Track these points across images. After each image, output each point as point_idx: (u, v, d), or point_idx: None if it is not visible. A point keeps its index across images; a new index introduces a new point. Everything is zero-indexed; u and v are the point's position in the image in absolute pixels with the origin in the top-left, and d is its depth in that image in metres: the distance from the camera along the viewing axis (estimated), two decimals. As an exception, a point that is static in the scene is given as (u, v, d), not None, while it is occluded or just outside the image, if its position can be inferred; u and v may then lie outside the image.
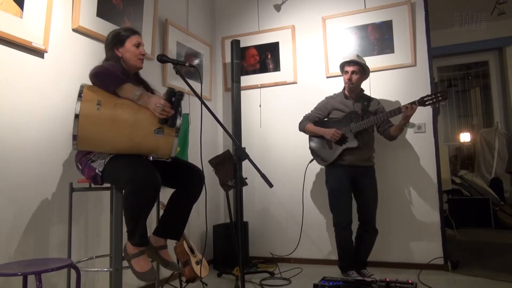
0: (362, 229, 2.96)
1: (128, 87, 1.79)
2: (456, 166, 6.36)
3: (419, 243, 3.22)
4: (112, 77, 1.79)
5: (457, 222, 4.47)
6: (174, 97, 1.79)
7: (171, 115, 1.79)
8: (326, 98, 3.14)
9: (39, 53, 2.13)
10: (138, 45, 2.04)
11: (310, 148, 3.13)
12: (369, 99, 3.07)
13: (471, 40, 5.62)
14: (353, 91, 2.99)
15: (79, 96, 1.72)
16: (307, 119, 3.13)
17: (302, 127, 3.13)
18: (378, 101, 3.08)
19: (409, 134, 3.31)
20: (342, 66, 3.01)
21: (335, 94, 3.12)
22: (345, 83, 2.98)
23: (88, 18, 2.42)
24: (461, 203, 5.08)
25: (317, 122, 3.09)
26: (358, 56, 3.01)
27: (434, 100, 2.75)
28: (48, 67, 2.19)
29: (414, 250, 3.23)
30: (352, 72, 2.94)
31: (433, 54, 3.36)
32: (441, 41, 5.42)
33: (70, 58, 2.33)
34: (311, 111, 3.15)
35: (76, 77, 2.33)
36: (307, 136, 3.17)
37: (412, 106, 2.75)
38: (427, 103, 2.77)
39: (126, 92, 1.79)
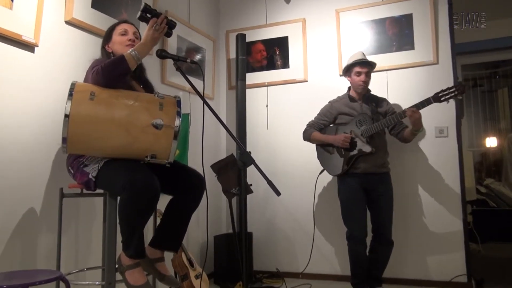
0: (376, 241, 2.95)
1: (127, 56, 1.84)
2: (482, 174, 6.32)
3: (440, 258, 3.20)
4: (113, 61, 1.83)
5: (482, 235, 4.44)
6: (146, 14, 1.88)
7: (165, 19, 1.88)
8: (330, 102, 3.14)
9: (29, 47, 2.15)
10: (123, 33, 2.09)
11: (319, 158, 3.14)
12: (376, 99, 3.07)
13: (499, 36, 5.58)
14: (363, 92, 3.00)
15: (70, 94, 1.74)
16: (311, 126, 3.13)
17: (307, 136, 3.13)
18: (386, 101, 3.10)
19: (430, 139, 3.30)
20: (351, 67, 2.98)
21: (338, 97, 3.12)
22: (358, 85, 2.96)
23: (82, 9, 2.45)
24: (487, 214, 5.05)
25: (322, 129, 3.09)
26: (363, 54, 3.04)
27: (451, 94, 2.77)
28: (39, 62, 2.21)
29: (434, 266, 3.21)
30: (366, 74, 2.95)
31: (457, 51, 3.35)
32: (465, 37, 5.38)
33: (63, 52, 2.35)
34: (315, 118, 3.15)
35: (69, 73, 2.35)
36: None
37: (414, 111, 2.76)
38: (442, 98, 2.78)
39: (130, 61, 1.84)
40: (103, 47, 2.12)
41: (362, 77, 2.94)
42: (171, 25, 1.93)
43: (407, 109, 2.79)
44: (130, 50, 1.86)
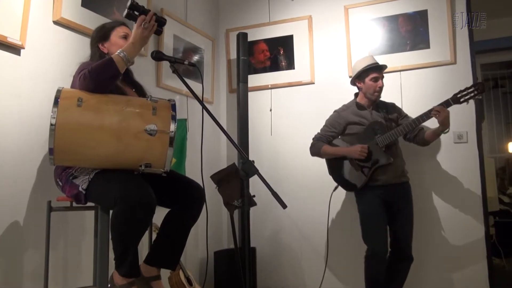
0: (395, 257, 2.93)
1: (116, 58, 1.84)
2: (504, 182, 6.29)
3: (460, 274, 3.17)
4: (101, 64, 1.83)
5: (506, 249, 4.41)
6: (133, 11, 1.89)
7: (154, 16, 1.89)
8: (336, 111, 3.13)
9: (15, 49, 2.16)
10: (125, 36, 2.09)
11: (332, 174, 3.11)
12: (386, 105, 3.08)
13: (521, 33, 5.58)
14: (377, 99, 3.00)
15: (56, 101, 1.74)
16: (319, 139, 3.09)
17: (316, 150, 3.08)
18: (396, 106, 3.12)
19: (448, 145, 3.28)
20: (364, 71, 2.96)
21: (344, 106, 3.12)
22: (374, 91, 2.95)
23: (72, 8, 2.46)
24: (511, 226, 5.01)
25: (331, 142, 3.07)
26: (373, 58, 3.05)
27: (470, 94, 2.79)
28: (25, 65, 2.22)
29: (454, 283, 3.18)
30: (382, 79, 2.97)
31: (476, 49, 3.35)
32: (485, 35, 5.38)
33: (51, 54, 2.37)
34: (321, 130, 3.13)
35: (57, 76, 2.36)
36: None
37: (442, 109, 2.75)
38: (462, 100, 2.80)
39: (119, 63, 1.84)
40: (96, 46, 2.10)
41: (380, 82, 2.94)
42: (160, 22, 1.93)
43: (433, 108, 2.78)
44: (118, 51, 1.86)
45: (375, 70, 2.95)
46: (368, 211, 2.92)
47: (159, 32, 1.96)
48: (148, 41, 1.96)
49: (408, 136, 3.03)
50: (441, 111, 2.74)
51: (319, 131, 3.14)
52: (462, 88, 2.81)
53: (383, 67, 3.00)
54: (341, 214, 3.45)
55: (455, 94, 2.81)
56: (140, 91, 2.21)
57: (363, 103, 3.02)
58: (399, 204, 2.89)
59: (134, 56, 1.92)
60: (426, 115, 2.82)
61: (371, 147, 2.90)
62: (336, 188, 3.14)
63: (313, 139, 3.14)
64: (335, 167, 3.08)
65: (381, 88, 2.96)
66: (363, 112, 3.01)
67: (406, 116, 3.05)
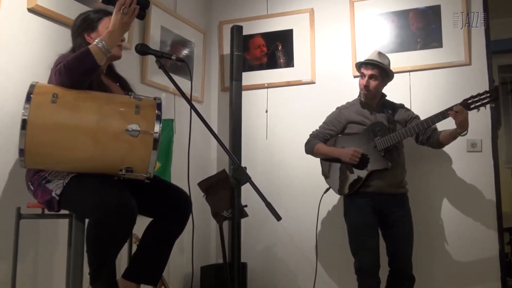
0: (394, 277, 2.94)
1: (93, 49, 1.81)
2: (522, 195, 6.32)
3: (472, 297, 3.19)
4: (77, 56, 1.82)
5: (522, 270, 4.42)
6: None
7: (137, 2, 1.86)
8: (338, 108, 3.18)
9: (-16, 39, 2.17)
10: None
11: (324, 174, 3.15)
12: (393, 106, 3.10)
13: (543, 32, 5.62)
14: (372, 98, 3.03)
15: (28, 97, 1.73)
16: (315, 137, 3.14)
17: (310, 148, 3.13)
18: (405, 107, 3.15)
19: (460, 154, 3.29)
20: (358, 66, 3.04)
21: (348, 103, 3.15)
22: (360, 89, 3.02)
23: (49, -5, 2.46)
24: (528, 244, 5.03)
25: (328, 140, 3.11)
26: (380, 54, 3.02)
27: (483, 101, 2.79)
28: (-5, 57, 2.22)
29: (465, 307, 3.20)
30: (370, 77, 2.96)
31: (493, 49, 3.37)
32: (503, 33, 5.42)
33: (25, 45, 2.36)
34: (320, 127, 3.17)
35: (31, 69, 2.36)
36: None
37: (461, 109, 2.76)
38: (472, 106, 2.80)
39: (97, 55, 1.82)
40: (82, 36, 2.08)
41: (364, 80, 2.97)
42: (142, 5, 1.90)
43: (452, 108, 2.78)
44: (96, 41, 1.84)
45: (363, 66, 2.98)
46: (356, 220, 2.94)
47: (141, 16, 1.92)
48: (129, 27, 1.94)
49: (420, 139, 3.03)
50: (459, 111, 2.75)
51: (318, 128, 3.18)
52: (476, 93, 2.82)
53: (374, 64, 2.94)
54: (335, 222, 3.44)
55: (465, 100, 2.81)
56: (125, 86, 2.21)
57: (367, 102, 3.05)
58: (394, 216, 2.89)
59: (114, 45, 1.90)
60: (442, 115, 2.82)
61: (368, 150, 2.92)
62: (327, 190, 3.18)
63: (310, 135, 3.18)
64: (328, 167, 3.11)
65: (366, 87, 2.96)
66: (365, 111, 3.04)
67: (416, 117, 3.05)
